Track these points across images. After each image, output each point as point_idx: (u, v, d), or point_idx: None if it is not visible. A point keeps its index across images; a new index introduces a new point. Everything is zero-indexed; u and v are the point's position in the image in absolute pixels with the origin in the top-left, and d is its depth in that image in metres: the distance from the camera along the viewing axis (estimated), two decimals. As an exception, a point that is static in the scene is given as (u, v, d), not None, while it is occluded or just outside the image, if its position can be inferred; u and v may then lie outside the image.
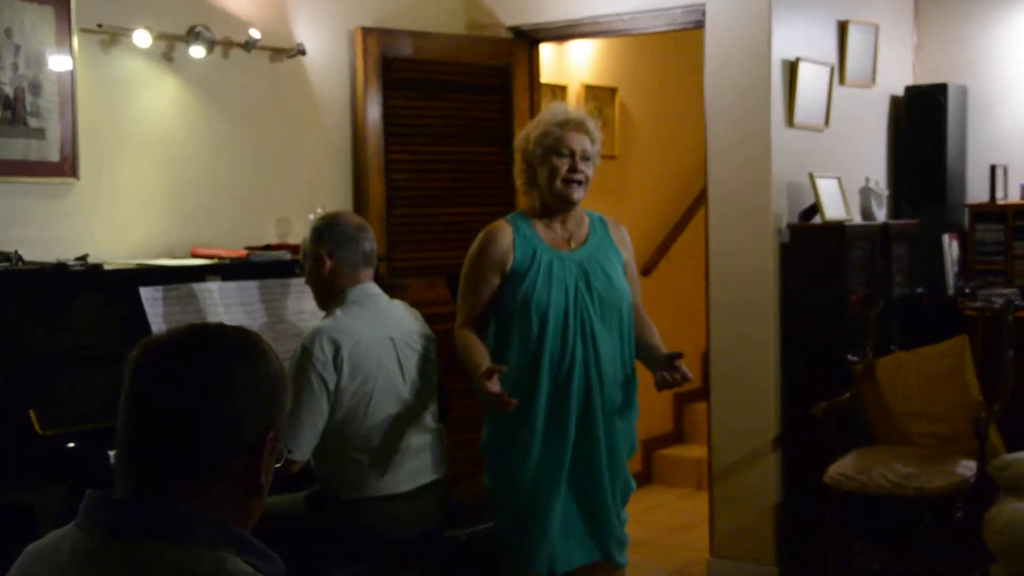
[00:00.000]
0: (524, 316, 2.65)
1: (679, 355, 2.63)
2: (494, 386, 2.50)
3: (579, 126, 2.70)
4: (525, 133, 2.76)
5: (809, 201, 4.04)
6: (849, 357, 3.88)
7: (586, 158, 2.70)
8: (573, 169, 2.68)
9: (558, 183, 2.68)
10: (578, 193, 2.70)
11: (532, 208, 2.78)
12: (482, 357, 2.62)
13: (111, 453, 2.65)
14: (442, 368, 2.89)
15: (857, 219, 4.23)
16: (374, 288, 2.80)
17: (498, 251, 2.70)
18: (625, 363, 2.74)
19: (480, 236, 2.75)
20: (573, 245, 2.74)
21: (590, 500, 2.70)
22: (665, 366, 2.63)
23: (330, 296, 2.77)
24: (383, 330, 2.73)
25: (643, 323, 2.83)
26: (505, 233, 2.71)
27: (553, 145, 2.68)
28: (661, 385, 2.64)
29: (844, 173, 4.23)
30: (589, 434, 2.67)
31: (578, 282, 2.68)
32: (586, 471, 2.69)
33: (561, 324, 2.66)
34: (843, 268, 3.88)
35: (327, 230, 2.76)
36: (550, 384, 2.64)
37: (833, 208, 4.04)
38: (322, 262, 2.75)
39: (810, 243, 3.92)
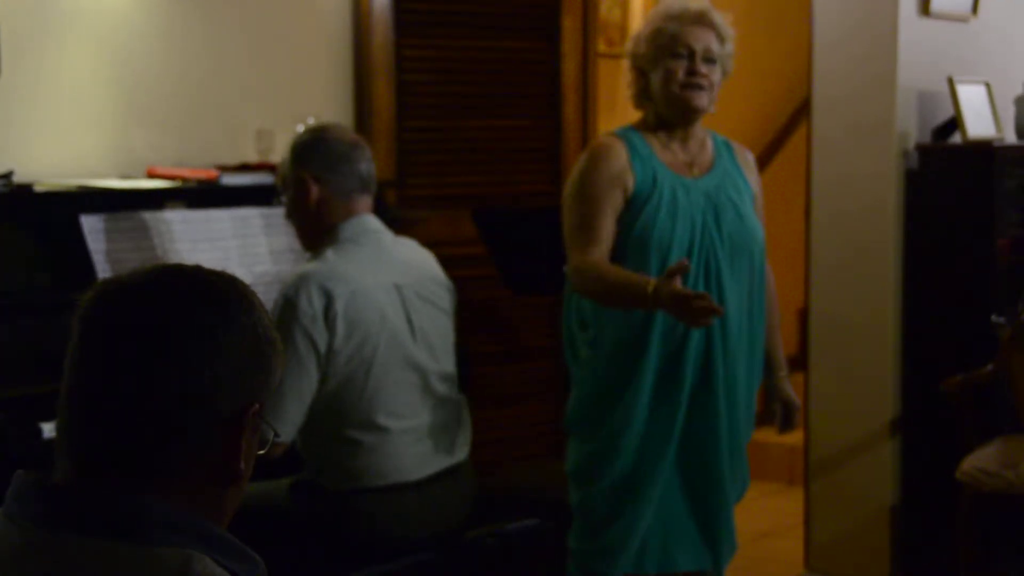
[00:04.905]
0: (640, 255, 2.71)
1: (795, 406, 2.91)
2: (683, 287, 2.51)
3: (700, 18, 2.75)
4: (635, 34, 2.84)
5: (947, 114, 3.99)
6: (994, 318, 3.86)
7: (710, 60, 2.75)
8: (692, 71, 2.72)
9: (674, 87, 2.73)
10: (700, 99, 2.75)
11: (644, 122, 2.83)
12: (630, 272, 2.63)
13: (45, 427, 2.70)
14: (464, 324, 2.89)
15: (1011, 138, 4.17)
16: (374, 222, 2.81)
17: (615, 168, 2.74)
18: (753, 322, 2.82)
19: (584, 157, 2.80)
20: (696, 172, 2.80)
21: (704, 496, 2.80)
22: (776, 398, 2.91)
23: (318, 233, 2.78)
24: (387, 276, 2.74)
25: (764, 288, 2.90)
26: (618, 150, 2.76)
27: (667, 44, 2.74)
28: (768, 415, 2.92)
29: (996, 78, 4.16)
30: (707, 408, 2.76)
31: (706, 218, 2.76)
32: (698, 457, 2.78)
33: None
34: (990, 202, 3.85)
35: (312, 148, 2.78)
36: (662, 341, 2.71)
37: (979, 124, 3.99)
38: (307, 189, 2.76)
39: (946, 169, 3.89)
